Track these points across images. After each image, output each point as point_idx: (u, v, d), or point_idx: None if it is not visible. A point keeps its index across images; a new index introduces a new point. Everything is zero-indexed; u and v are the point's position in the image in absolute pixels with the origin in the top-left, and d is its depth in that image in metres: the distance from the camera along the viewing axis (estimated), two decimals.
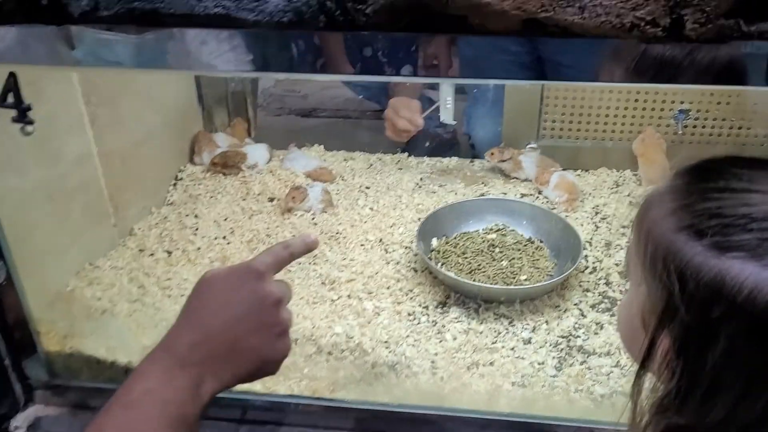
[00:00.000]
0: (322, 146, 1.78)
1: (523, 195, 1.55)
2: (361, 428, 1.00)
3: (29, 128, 0.82)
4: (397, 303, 1.20)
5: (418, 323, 1.16)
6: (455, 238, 1.35)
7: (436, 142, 1.80)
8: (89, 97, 1.20)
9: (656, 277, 0.51)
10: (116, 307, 1.19)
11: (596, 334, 1.13)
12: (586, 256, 1.30)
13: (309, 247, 0.72)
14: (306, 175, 1.63)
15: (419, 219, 1.40)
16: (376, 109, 2.14)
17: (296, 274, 1.28)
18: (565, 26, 0.60)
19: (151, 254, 1.34)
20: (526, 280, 1.23)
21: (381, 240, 1.39)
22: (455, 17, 0.62)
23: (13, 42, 0.70)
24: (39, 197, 1.12)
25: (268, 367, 0.66)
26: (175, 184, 1.59)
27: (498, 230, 1.37)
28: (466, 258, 1.29)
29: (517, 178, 1.61)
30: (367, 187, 1.59)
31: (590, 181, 1.60)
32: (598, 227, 1.42)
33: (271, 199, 1.54)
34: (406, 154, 1.74)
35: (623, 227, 1.41)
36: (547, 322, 1.15)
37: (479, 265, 1.27)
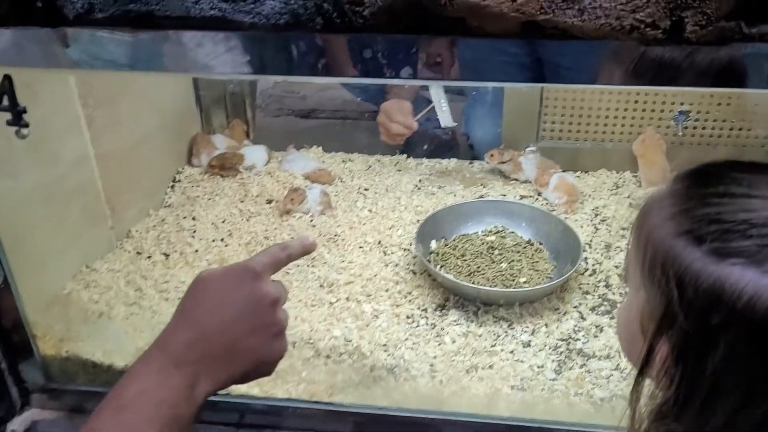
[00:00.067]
0: (320, 148, 1.78)
1: (522, 197, 1.54)
2: None
3: (25, 131, 0.81)
4: (395, 306, 1.20)
5: (417, 326, 1.15)
6: (454, 240, 1.35)
7: (435, 144, 1.80)
8: (86, 99, 1.20)
9: (655, 282, 0.51)
10: (113, 310, 1.19)
11: (596, 337, 1.12)
12: (585, 258, 1.30)
13: (307, 250, 0.72)
14: (304, 176, 1.62)
15: (418, 221, 1.39)
16: (374, 110, 2.13)
17: (294, 276, 1.27)
18: (565, 29, 0.60)
19: (149, 257, 1.34)
20: (525, 282, 1.23)
21: (380, 242, 1.38)
22: (453, 19, 0.61)
23: (7, 44, 0.70)
24: (35, 200, 1.11)
25: (264, 367, 0.66)
26: (172, 186, 1.58)
27: (497, 232, 1.37)
28: (465, 260, 1.28)
29: (516, 180, 1.60)
30: (366, 189, 1.59)
31: (590, 182, 1.59)
32: (597, 229, 1.42)
33: (270, 201, 1.53)
34: (405, 155, 1.74)
35: (623, 229, 1.40)
36: (546, 324, 1.15)
37: (478, 267, 1.26)
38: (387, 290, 1.24)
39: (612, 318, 1.15)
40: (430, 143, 1.78)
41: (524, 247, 1.32)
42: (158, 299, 1.22)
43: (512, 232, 1.37)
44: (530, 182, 1.58)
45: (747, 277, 0.45)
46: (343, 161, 1.74)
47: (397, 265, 1.31)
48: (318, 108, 2.73)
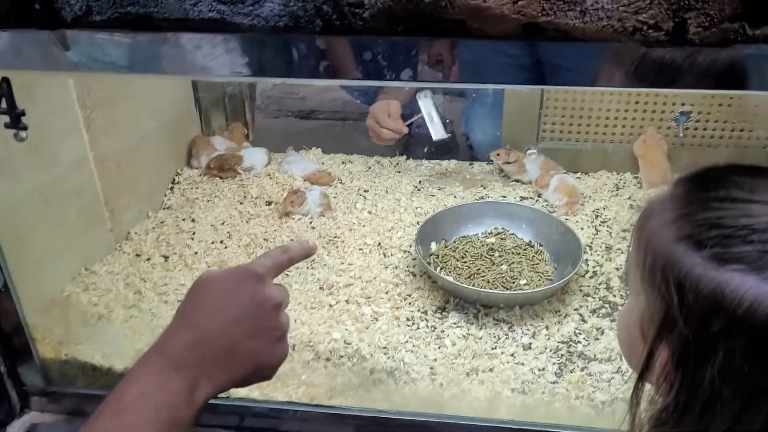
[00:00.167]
0: (320, 149, 1.78)
1: (522, 198, 1.54)
2: None
3: (23, 134, 0.81)
4: (395, 308, 1.19)
5: (417, 328, 1.15)
6: (454, 242, 1.34)
7: (435, 145, 1.79)
8: (84, 101, 1.20)
9: (655, 287, 0.50)
10: (112, 312, 1.18)
11: (597, 339, 1.12)
12: (586, 260, 1.29)
13: (308, 253, 0.72)
14: (304, 178, 1.62)
15: (418, 222, 1.39)
16: None
17: (294, 278, 1.27)
18: (566, 30, 0.59)
19: (148, 259, 1.33)
20: (525, 284, 1.22)
21: (379, 244, 1.38)
22: (453, 21, 0.61)
23: (5, 47, 0.69)
24: (34, 202, 1.11)
25: (265, 371, 0.65)
26: (172, 188, 1.58)
27: (497, 234, 1.36)
28: (465, 262, 1.28)
29: (518, 181, 1.60)
30: (366, 191, 1.58)
31: (590, 184, 1.59)
32: (598, 231, 1.42)
33: (269, 203, 1.53)
34: (405, 156, 1.74)
35: (624, 231, 1.40)
36: (547, 327, 1.14)
37: (478, 269, 1.26)
38: (387, 292, 1.24)
39: (613, 321, 1.15)
40: (430, 145, 1.77)
41: (524, 249, 1.32)
42: (157, 301, 1.22)
43: (512, 234, 1.36)
44: (531, 183, 1.57)
45: (747, 284, 0.45)
46: (343, 163, 1.73)
47: (396, 267, 1.30)
48: (317, 109, 2.73)
